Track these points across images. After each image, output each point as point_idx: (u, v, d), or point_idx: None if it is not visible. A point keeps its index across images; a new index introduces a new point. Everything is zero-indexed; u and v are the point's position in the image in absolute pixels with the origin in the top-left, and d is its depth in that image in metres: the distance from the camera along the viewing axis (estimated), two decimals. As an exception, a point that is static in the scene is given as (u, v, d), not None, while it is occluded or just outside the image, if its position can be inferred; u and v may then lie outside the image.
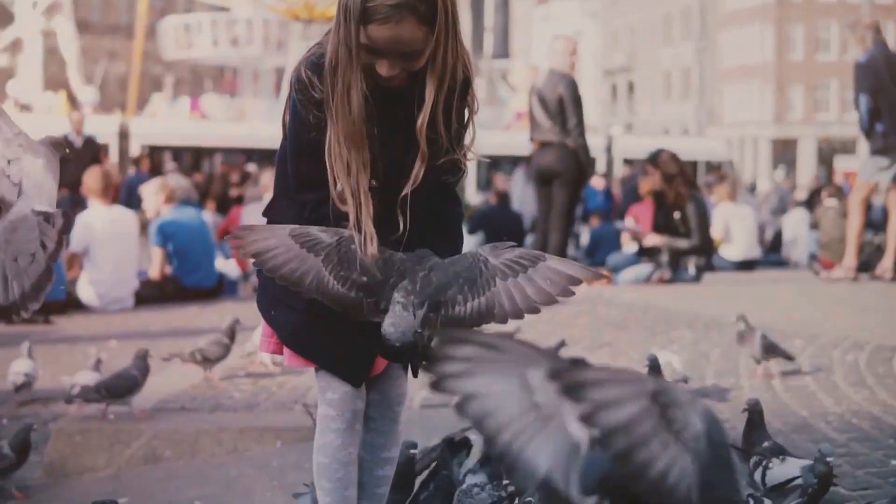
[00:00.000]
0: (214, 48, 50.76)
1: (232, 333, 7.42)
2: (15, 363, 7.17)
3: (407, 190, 3.50)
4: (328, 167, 3.44)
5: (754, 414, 4.50)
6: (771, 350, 6.97)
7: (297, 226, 3.40)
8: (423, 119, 3.47)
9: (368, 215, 3.39)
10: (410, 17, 3.34)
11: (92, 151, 18.19)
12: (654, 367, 5.28)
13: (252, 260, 3.39)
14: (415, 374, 3.57)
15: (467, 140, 3.65)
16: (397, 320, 3.30)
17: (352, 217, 3.40)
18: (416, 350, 3.33)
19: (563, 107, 12.51)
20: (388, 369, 3.73)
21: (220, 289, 13.23)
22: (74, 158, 16.32)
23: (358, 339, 3.54)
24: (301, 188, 3.55)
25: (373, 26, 3.34)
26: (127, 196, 18.78)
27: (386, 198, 3.49)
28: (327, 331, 3.58)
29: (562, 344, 7.01)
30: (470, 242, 18.47)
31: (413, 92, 3.49)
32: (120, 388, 6.33)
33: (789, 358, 7.09)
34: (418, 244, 3.46)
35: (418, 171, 3.50)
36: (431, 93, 3.46)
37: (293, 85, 3.50)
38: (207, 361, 7.37)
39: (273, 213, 3.69)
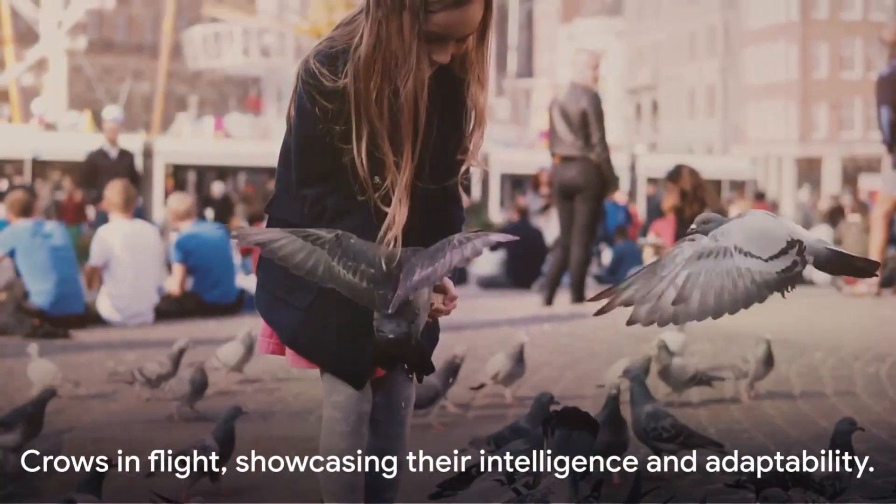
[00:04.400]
0: (245, 57, 50.78)
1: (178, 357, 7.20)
2: (35, 367, 7.16)
3: (467, 165, 3.57)
4: (359, 165, 3.41)
5: None
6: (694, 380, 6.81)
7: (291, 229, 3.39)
8: (486, 96, 3.51)
9: (404, 213, 3.40)
10: None
11: (127, 163, 18.20)
12: (637, 379, 5.22)
13: (261, 248, 3.36)
14: (419, 379, 3.54)
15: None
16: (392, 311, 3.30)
17: (391, 213, 3.40)
18: (409, 343, 3.31)
19: (587, 121, 12.42)
20: (393, 372, 3.67)
21: (240, 304, 13.20)
22: (110, 170, 16.51)
23: (360, 339, 3.48)
24: (302, 182, 3.50)
25: (442, 13, 3.33)
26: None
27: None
28: (329, 331, 3.54)
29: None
30: (492, 259, 18.46)
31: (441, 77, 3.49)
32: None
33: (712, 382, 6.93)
34: (416, 242, 3.42)
35: (477, 141, 3.53)
36: (487, 64, 3.49)
37: (300, 77, 3.46)
38: (150, 382, 7.23)
39: (275, 209, 3.66)
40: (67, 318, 11.29)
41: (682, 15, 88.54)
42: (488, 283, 18.14)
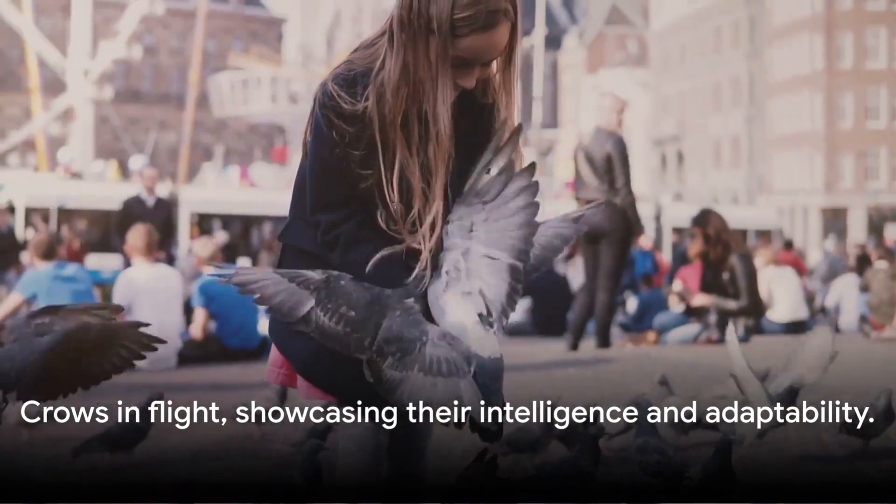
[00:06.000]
0: (272, 104, 50.87)
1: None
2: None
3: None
4: (388, 194, 3.35)
5: None
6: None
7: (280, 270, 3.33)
8: (513, 116, 3.46)
9: (433, 243, 3.35)
10: (504, 20, 3.30)
11: (163, 212, 18.19)
12: (642, 409, 5.15)
13: (240, 290, 3.28)
14: None
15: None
16: None
17: (425, 244, 3.34)
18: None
19: (612, 165, 12.36)
20: None
21: (263, 350, 13.15)
22: (146, 217, 16.48)
23: None
24: (317, 208, 3.43)
25: (469, 37, 3.27)
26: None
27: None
28: (344, 360, 3.39)
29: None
30: (518, 307, 18.37)
31: (463, 103, 3.44)
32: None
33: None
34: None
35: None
36: (515, 87, 3.45)
37: (318, 100, 3.39)
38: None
39: (288, 237, 3.60)
40: (90, 362, 11.22)
41: (706, 66, 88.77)
42: (513, 331, 18.06)
